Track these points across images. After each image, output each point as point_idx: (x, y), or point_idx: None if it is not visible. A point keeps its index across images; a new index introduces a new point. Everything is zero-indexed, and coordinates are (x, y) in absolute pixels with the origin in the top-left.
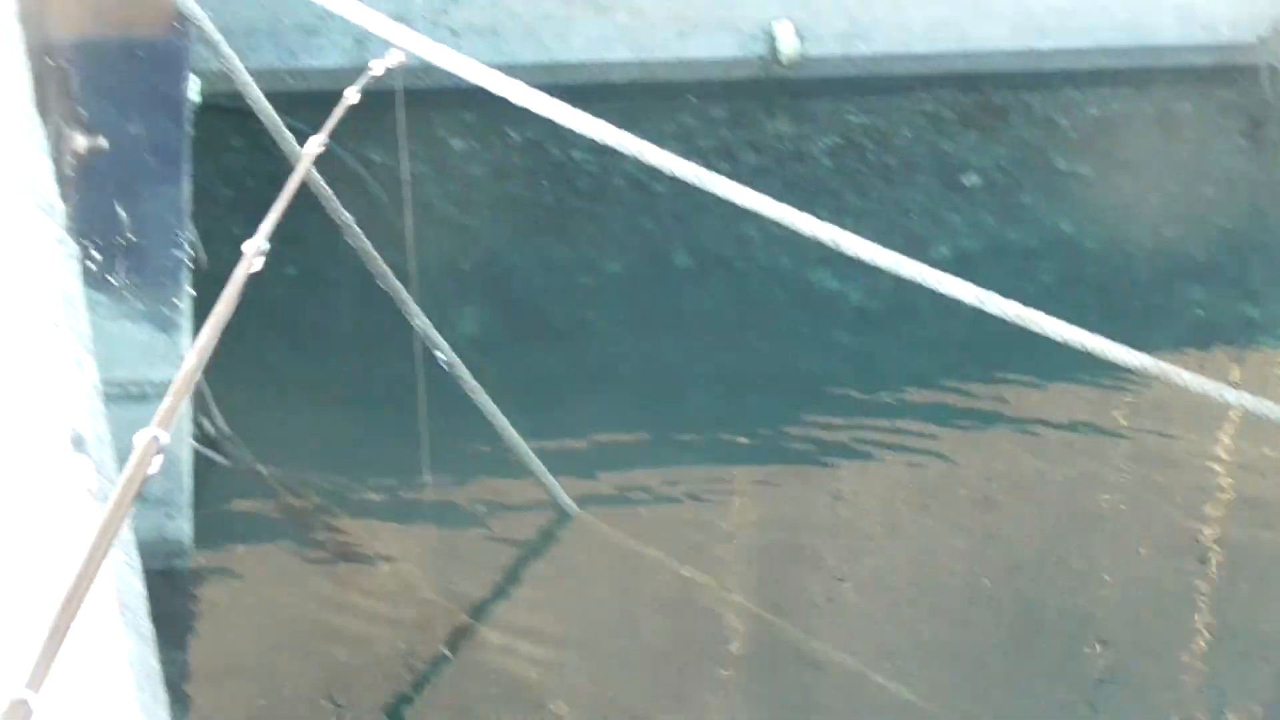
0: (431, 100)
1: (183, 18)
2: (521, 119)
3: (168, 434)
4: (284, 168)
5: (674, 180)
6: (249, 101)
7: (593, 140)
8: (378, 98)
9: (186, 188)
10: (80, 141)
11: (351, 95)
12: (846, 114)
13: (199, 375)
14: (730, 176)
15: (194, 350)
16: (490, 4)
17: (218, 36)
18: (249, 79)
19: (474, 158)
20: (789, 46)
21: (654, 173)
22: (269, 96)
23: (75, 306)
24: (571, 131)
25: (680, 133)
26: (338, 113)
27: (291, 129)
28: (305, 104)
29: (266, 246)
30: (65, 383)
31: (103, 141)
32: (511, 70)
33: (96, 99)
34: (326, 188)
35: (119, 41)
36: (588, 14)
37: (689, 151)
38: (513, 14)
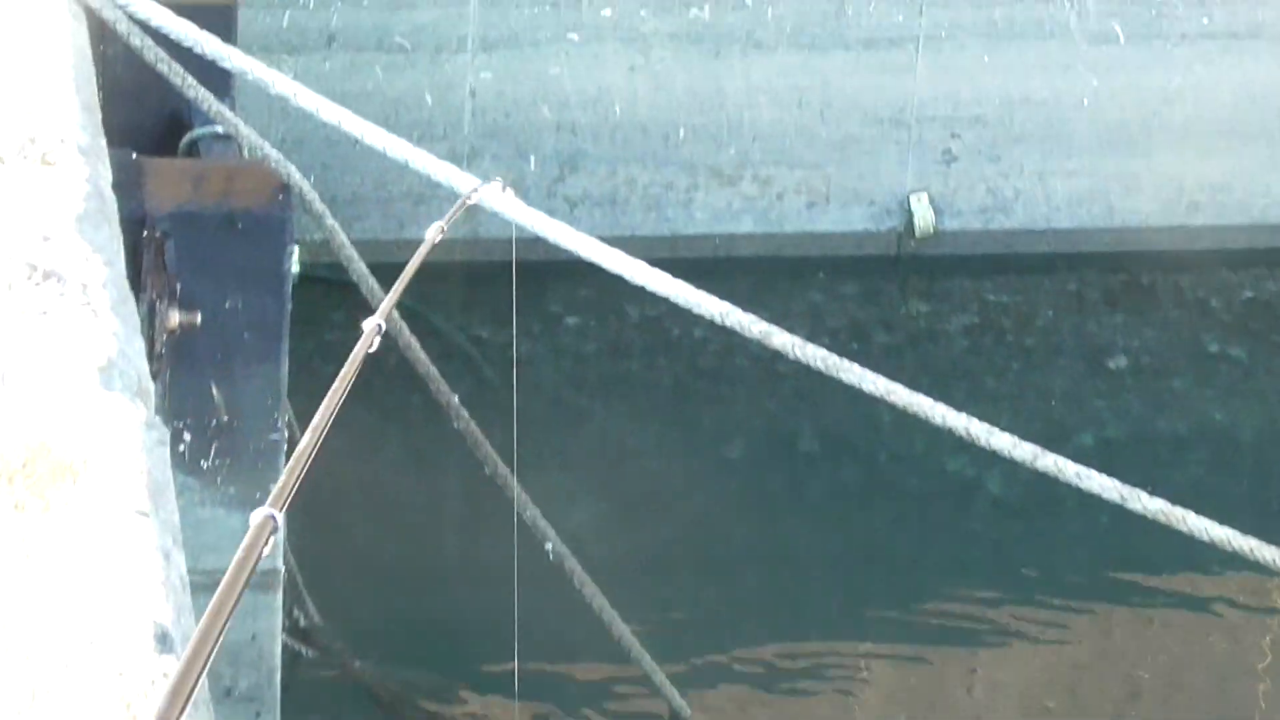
0: (545, 274)
1: (285, 187)
2: (640, 295)
3: (282, 514)
4: (387, 345)
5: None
6: (352, 274)
7: (715, 318)
8: (488, 271)
9: (284, 366)
10: (174, 317)
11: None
12: (984, 292)
13: (313, 454)
14: (861, 357)
15: (310, 430)
16: (608, 173)
17: (321, 207)
18: (353, 251)
19: (589, 335)
20: (925, 220)
21: (779, 351)
22: (373, 269)
23: (164, 494)
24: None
25: (808, 310)
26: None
27: (397, 304)
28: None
29: (384, 326)
30: (150, 577)
31: (197, 317)
32: (631, 242)
33: (193, 272)
34: (431, 366)
35: (218, 212)
36: (712, 184)
37: (817, 330)
38: (632, 183)
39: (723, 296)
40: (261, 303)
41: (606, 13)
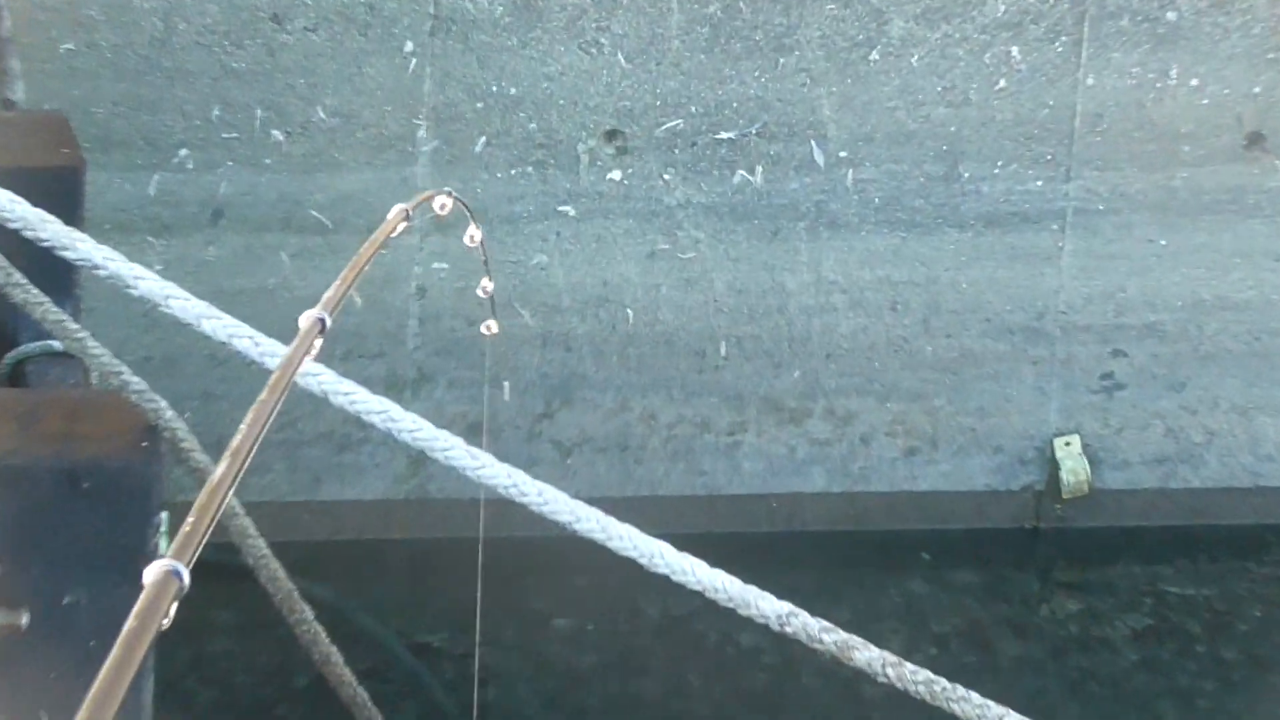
0: (524, 554)
1: (152, 429)
2: (662, 587)
3: (188, 569)
4: (295, 656)
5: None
6: (247, 555)
7: (770, 622)
8: (443, 551)
9: (149, 689)
10: None
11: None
12: (1162, 581)
13: (232, 487)
14: (984, 677)
15: (227, 456)
16: (617, 406)
17: (203, 457)
18: (248, 521)
19: (587, 645)
20: (1076, 475)
21: (863, 670)
22: (278, 548)
23: None
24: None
25: (906, 607)
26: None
27: (309, 596)
28: (333, 556)
29: (328, 321)
30: None
31: (23, 619)
32: (649, 506)
33: (17, 553)
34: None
35: (54, 466)
36: (767, 422)
37: (919, 638)
38: (651, 421)
39: (782, 588)
40: (114, 598)
41: (615, 176)
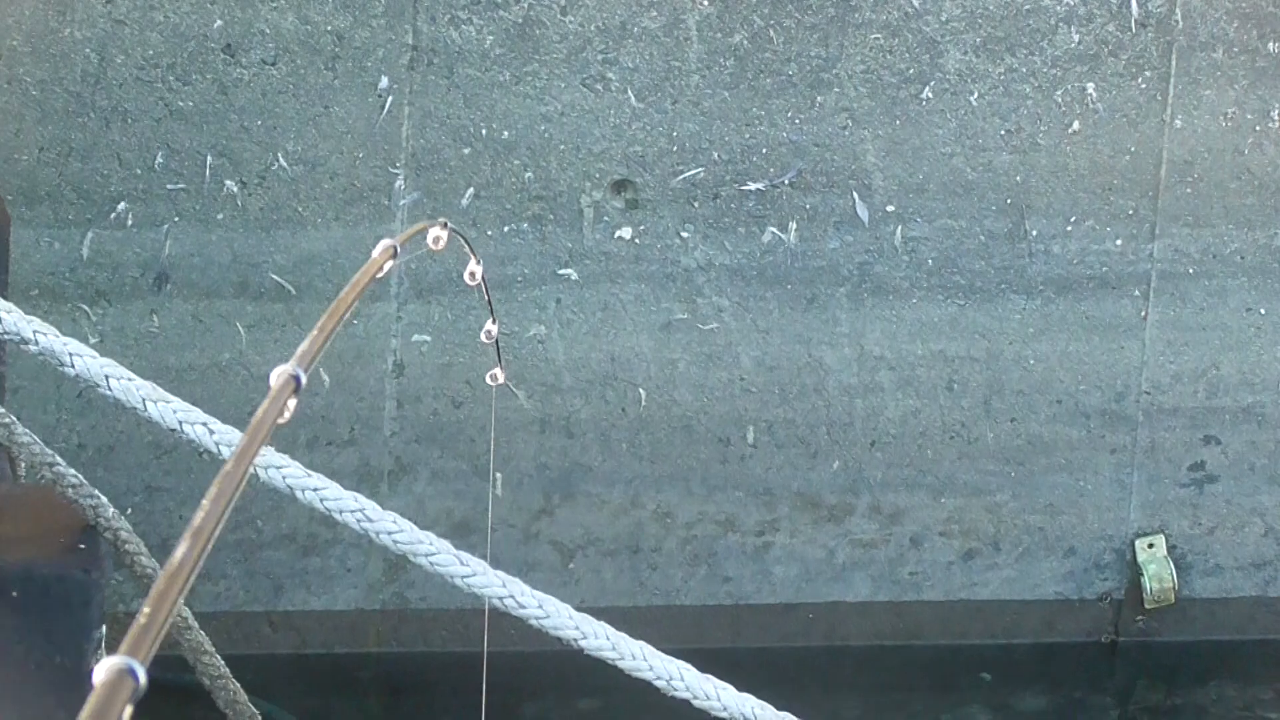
0: (522, 674)
1: (89, 530)
2: (680, 713)
3: (144, 667)
4: None
5: None
6: (201, 674)
7: None
8: (426, 669)
9: None
10: None
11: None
12: (1259, 705)
13: (195, 570)
14: None
15: (188, 536)
16: (627, 502)
17: (149, 562)
18: (201, 636)
19: None
20: (1162, 582)
21: None
22: (234, 663)
23: None
24: None
25: None
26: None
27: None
28: (294, 674)
29: (303, 379)
30: None
31: None
32: (666, 617)
33: None
34: None
35: None
36: (802, 521)
37: None
38: (667, 520)
39: (822, 715)
40: None
41: (624, 233)
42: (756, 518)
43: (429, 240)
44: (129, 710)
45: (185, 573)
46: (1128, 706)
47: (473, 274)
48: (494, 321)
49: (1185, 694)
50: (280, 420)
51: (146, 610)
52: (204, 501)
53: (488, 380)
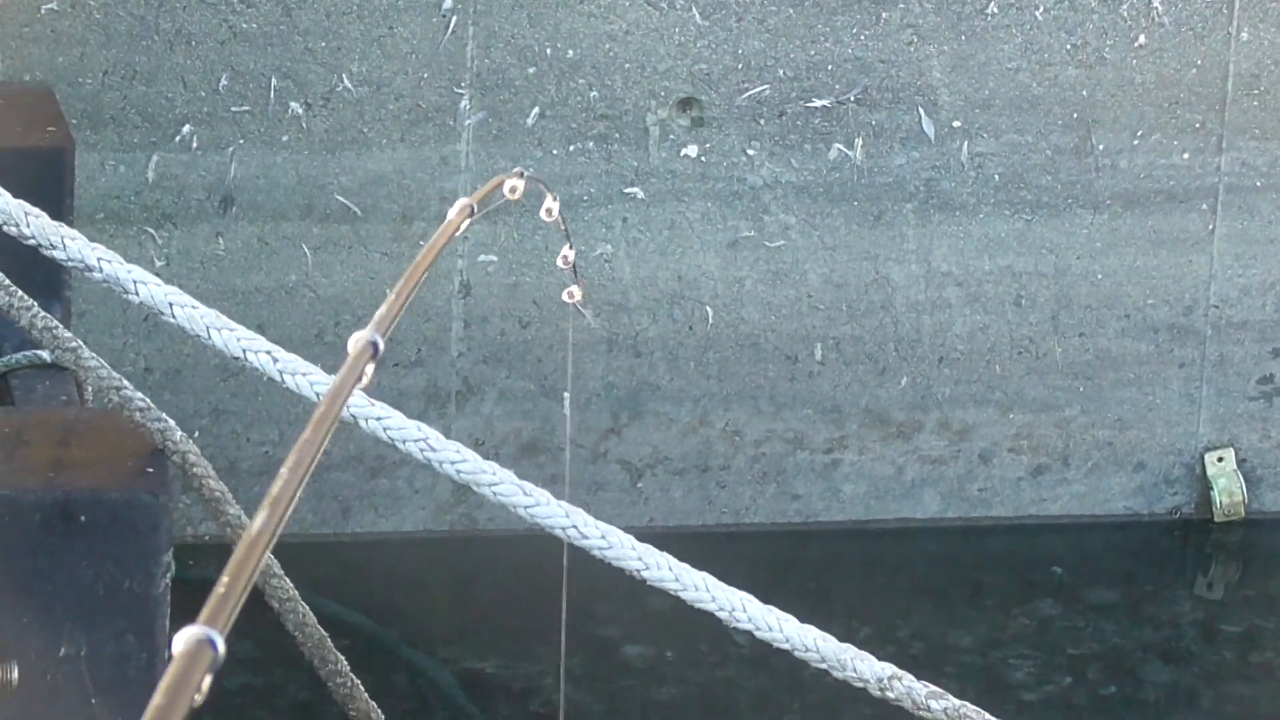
0: (593, 579)
1: (157, 454)
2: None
3: (222, 637)
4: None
5: None
6: (271, 597)
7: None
8: (488, 586)
9: None
10: None
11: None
12: None
13: (273, 539)
14: (1126, 707)
15: (266, 505)
16: (695, 420)
17: (218, 486)
18: (270, 558)
19: (665, 676)
20: (1231, 495)
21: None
22: (305, 585)
23: None
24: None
25: (1036, 630)
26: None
27: (345, 627)
28: (368, 589)
29: (381, 345)
30: None
31: (13, 672)
32: (734, 534)
33: (4, 599)
34: None
35: (44, 497)
36: (870, 437)
37: (1053, 663)
38: (735, 438)
39: (890, 623)
40: (119, 649)
41: (690, 152)
42: (825, 435)
43: (505, 191)
44: (208, 680)
45: (264, 542)
46: (1195, 601)
47: (549, 210)
48: (570, 247)
49: (1256, 593)
50: (359, 386)
51: (225, 580)
52: (282, 470)
53: (564, 297)
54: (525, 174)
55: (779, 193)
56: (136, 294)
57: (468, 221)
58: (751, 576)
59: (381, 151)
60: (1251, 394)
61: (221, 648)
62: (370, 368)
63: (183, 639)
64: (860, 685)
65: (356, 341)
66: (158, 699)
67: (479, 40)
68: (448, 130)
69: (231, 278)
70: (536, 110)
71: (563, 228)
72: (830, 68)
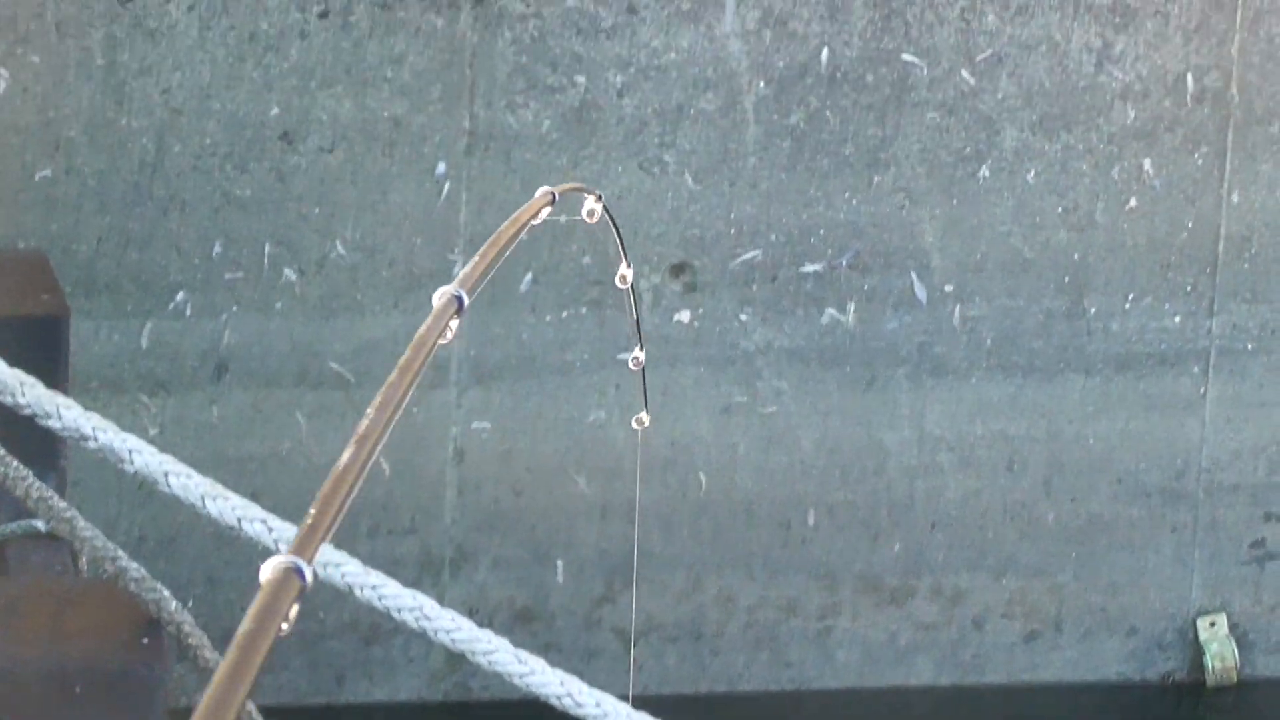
0: None
1: (154, 624)
2: None
3: (311, 568)
4: None
5: None
6: None
7: None
8: None
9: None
10: None
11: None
12: None
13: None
14: None
15: (354, 443)
16: (688, 586)
17: (212, 654)
18: None
19: None
20: (1223, 660)
21: None
22: None
23: None
24: None
25: None
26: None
27: None
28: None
29: (466, 300)
30: None
31: None
32: (728, 702)
33: None
34: None
35: (40, 667)
36: (864, 604)
37: None
38: (729, 604)
39: None
40: None
41: (683, 316)
42: (818, 601)
43: (583, 213)
44: (295, 608)
45: (351, 476)
46: None
47: (623, 277)
48: (641, 349)
49: None
50: (442, 341)
51: (313, 512)
52: (368, 410)
53: (633, 425)
54: (601, 198)
55: (772, 357)
56: (132, 463)
57: (546, 210)
58: None
59: (375, 318)
60: (1244, 558)
61: (309, 576)
62: (454, 322)
63: (270, 567)
64: None
65: (441, 295)
66: (246, 624)
67: (472, 206)
68: None
69: (225, 445)
70: (529, 276)
71: (633, 314)
72: (822, 231)
